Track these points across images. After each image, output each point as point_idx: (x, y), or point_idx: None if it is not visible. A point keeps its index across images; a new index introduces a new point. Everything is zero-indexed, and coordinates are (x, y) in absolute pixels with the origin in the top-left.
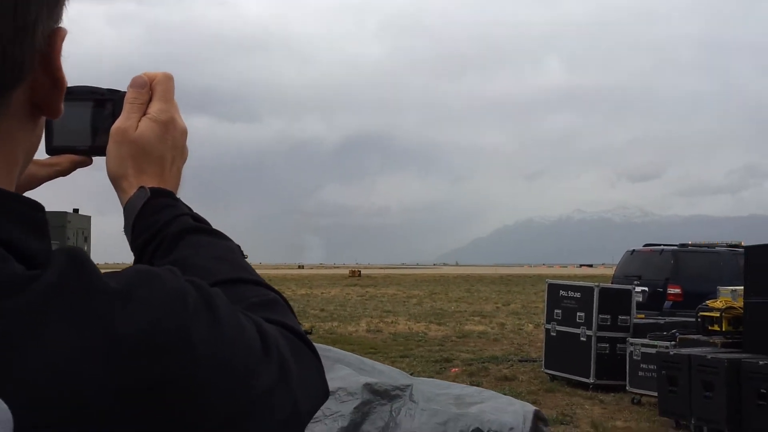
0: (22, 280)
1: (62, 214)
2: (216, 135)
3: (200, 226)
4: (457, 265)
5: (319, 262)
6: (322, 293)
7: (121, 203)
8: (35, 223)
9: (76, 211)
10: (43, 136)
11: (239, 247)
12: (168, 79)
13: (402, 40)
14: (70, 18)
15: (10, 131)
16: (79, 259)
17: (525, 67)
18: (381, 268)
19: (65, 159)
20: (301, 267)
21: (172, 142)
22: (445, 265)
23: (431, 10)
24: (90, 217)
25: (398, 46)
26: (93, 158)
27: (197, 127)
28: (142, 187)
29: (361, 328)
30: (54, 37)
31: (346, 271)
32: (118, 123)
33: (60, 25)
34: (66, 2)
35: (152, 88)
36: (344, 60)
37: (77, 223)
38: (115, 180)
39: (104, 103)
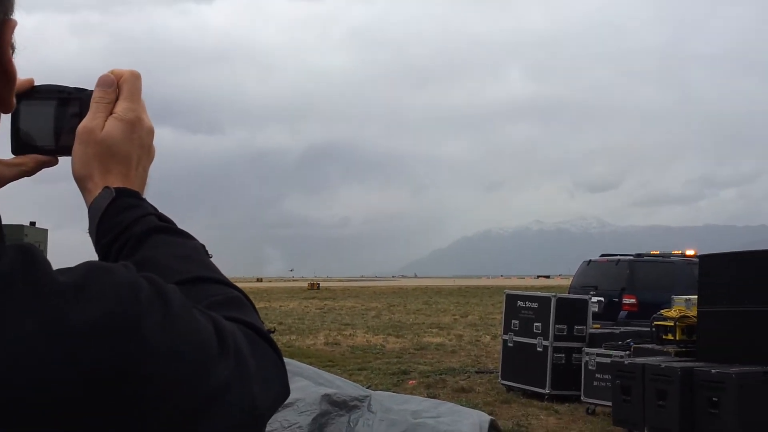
0: None
1: (19, 228)
2: (177, 146)
3: (165, 225)
4: (415, 277)
5: (278, 275)
6: (281, 306)
7: (86, 204)
8: None
9: (33, 224)
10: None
11: (204, 246)
12: (135, 78)
13: (365, 52)
14: (33, 27)
15: None
16: (29, 253)
17: (486, 78)
18: (340, 281)
19: (30, 159)
20: (259, 280)
21: (138, 142)
22: (403, 277)
23: (394, 22)
24: (47, 230)
25: (361, 57)
26: (59, 158)
27: (158, 137)
28: (107, 188)
29: (319, 341)
30: (2, 28)
31: (305, 284)
32: (84, 122)
33: (10, 17)
34: None
35: (119, 87)
36: (307, 71)
37: (34, 236)
38: (81, 180)
39: (71, 102)
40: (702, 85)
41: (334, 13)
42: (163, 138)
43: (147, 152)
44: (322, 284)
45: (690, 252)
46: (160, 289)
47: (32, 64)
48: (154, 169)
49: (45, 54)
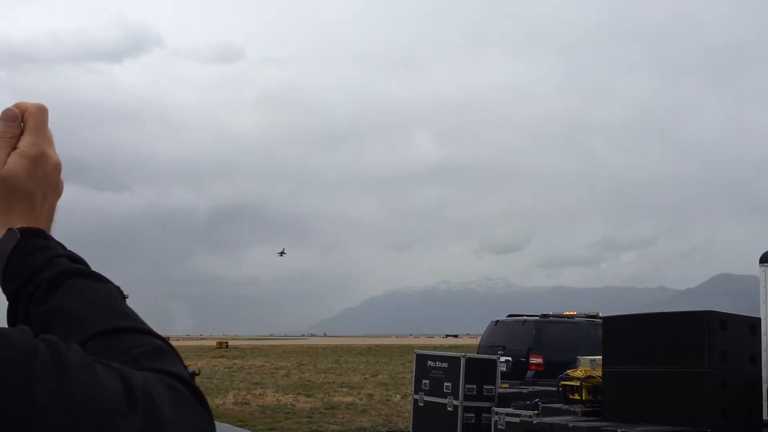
0: None
1: None
2: (83, 204)
3: (78, 268)
4: (325, 335)
5: (186, 333)
6: (189, 365)
7: None
8: None
9: None
10: None
11: (119, 288)
12: (41, 111)
13: (277, 113)
14: None
15: None
16: None
17: (397, 141)
18: (249, 340)
19: None
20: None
21: (43, 178)
22: (313, 336)
23: (306, 85)
24: None
25: (273, 118)
26: None
27: (63, 197)
28: (10, 229)
29: (228, 400)
30: None
31: (213, 343)
32: None
33: None
34: None
35: (24, 121)
36: (218, 131)
37: None
38: None
39: None
40: (603, 151)
41: (245, 76)
42: (68, 197)
43: (53, 188)
44: (230, 343)
45: (593, 313)
46: (57, 353)
47: None
48: (60, 226)
49: None
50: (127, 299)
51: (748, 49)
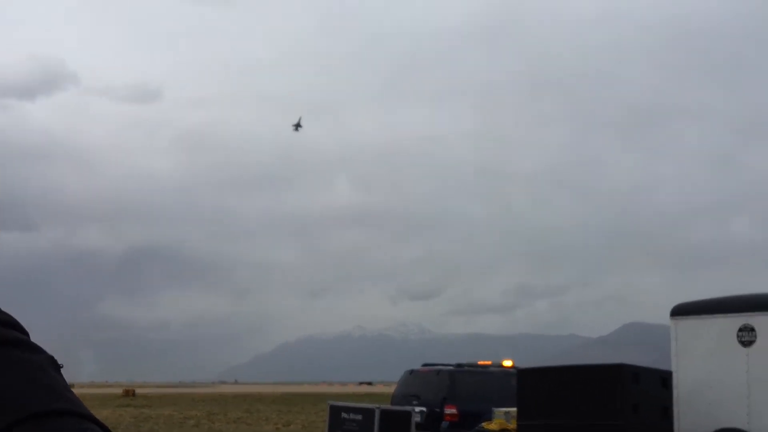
0: None
1: None
2: None
3: (10, 336)
4: (236, 383)
5: (90, 380)
6: None
7: None
8: None
9: None
10: None
11: (53, 359)
12: None
13: (195, 155)
14: None
15: None
16: None
17: (317, 186)
18: (157, 387)
19: None
20: (71, 385)
21: None
22: (223, 383)
23: (226, 128)
24: None
25: (191, 160)
26: None
27: None
28: None
29: None
30: None
31: (120, 390)
32: None
33: None
34: None
35: None
36: (134, 172)
37: None
38: None
39: None
40: (519, 200)
41: (164, 117)
42: None
43: None
44: (138, 390)
45: (507, 363)
46: None
47: None
48: None
49: None
50: (62, 367)
51: (661, 106)
